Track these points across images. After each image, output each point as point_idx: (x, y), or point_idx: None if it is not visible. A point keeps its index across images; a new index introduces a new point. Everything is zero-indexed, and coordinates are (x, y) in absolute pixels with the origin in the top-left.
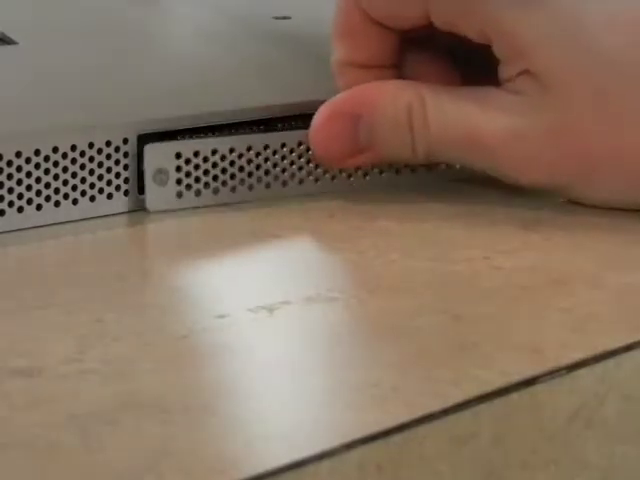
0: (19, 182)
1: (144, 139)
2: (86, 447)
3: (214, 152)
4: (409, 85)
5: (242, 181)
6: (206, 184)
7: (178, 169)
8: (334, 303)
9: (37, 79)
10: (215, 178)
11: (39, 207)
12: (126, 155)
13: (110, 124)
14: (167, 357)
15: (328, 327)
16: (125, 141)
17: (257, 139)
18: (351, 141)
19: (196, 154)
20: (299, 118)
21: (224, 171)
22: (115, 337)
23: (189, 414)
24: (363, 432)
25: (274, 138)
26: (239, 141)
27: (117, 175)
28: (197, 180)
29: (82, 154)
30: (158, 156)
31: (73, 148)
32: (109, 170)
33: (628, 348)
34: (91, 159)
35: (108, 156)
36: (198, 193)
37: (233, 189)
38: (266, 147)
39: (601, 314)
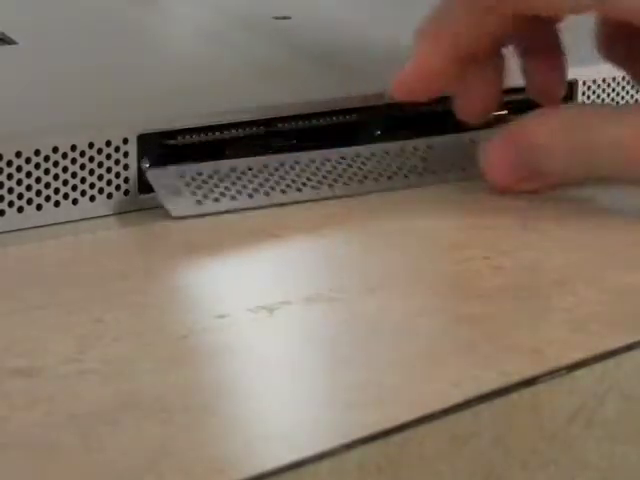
0: (19, 182)
1: (144, 139)
2: (86, 447)
3: (216, 172)
4: (572, 109)
5: (255, 190)
6: (221, 193)
7: (187, 184)
8: (334, 303)
9: (37, 79)
10: (227, 188)
11: (39, 207)
12: (126, 155)
13: (110, 124)
14: (167, 357)
15: (328, 327)
16: (125, 141)
17: (256, 161)
18: (523, 167)
19: (199, 174)
20: (299, 118)
21: (234, 183)
22: (115, 337)
23: (189, 414)
24: (363, 432)
25: (272, 160)
26: (240, 163)
27: (117, 175)
28: (211, 191)
29: (82, 154)
30: (162, 178)
31: (73, 148)
32: (109, 170)
33: (628, 348)
34: (91, 159)
35: (108, 156)
36: (217, 200)
37: (250, 196)
38: (266, 166)
39: (601, 314)
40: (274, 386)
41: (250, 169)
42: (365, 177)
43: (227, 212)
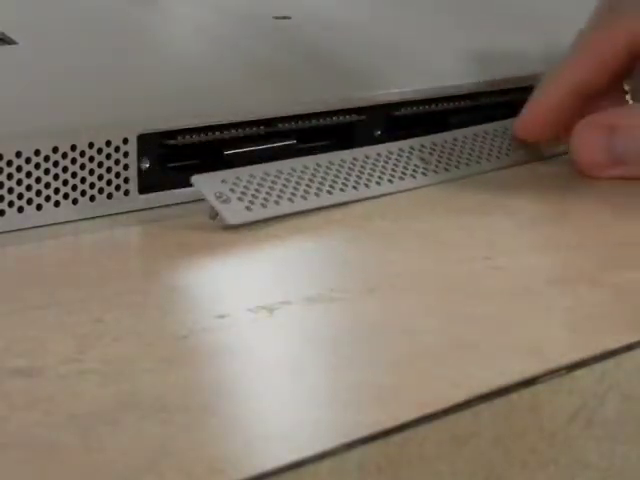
0: (19, 182)
1: (144, 139)
2: (86, 447)
3: (252, 176)
4: None
5: (293, 194)
6: (265, 199)
7: (232, 190)
8: (334, 303)
9: (37, 79)
10: (268, 193)
11: (39, 207)
12: (126, 155)
13: (110, 124)
14: (167, 357)
15: (328, 327)
16: (125, 141)
17: (285, 165)
18: (607, 152)
19: (238, 179)
20: (299, 118)
21: (272, 188)
22: (115, 337)
23: (189, 414)
24: (363, 432)
25: (296, 163)
26: (270, 167)
27: (117, 175)
28: (254, 196)
29: (82, 154)
30: (207, 184)
31: (73, 148)
32: (109, 170)
33: (628, 348)
34: (91, 159)
35: (108, 156)
36: (263, 205)
37: (290, 200)
38: (293, 170)
39: (601, 314)
40: (274, 386)
41: (281, 172)
42: (392, 176)
43: (275, 218)
